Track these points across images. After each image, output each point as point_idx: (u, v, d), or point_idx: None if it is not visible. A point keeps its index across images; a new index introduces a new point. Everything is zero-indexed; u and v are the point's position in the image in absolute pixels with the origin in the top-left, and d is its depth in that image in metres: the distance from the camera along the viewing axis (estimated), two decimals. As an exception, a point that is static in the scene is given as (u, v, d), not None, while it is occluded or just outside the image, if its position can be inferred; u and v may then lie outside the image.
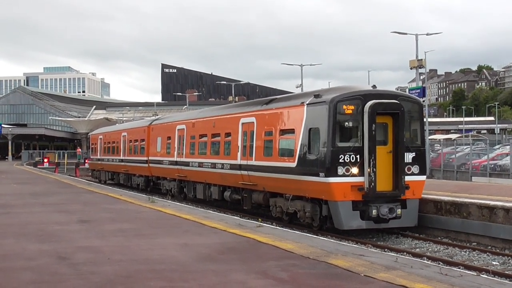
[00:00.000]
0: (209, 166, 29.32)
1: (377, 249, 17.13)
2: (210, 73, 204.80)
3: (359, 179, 19.82)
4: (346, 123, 20.22)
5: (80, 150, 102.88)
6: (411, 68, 53.08)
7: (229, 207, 29.77)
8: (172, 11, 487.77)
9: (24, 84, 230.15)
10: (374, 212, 19.74)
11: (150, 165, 39.36)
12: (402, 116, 20.24)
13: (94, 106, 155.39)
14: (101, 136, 55.17)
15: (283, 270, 11.62)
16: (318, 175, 20.18)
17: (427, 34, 56.97)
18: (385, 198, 20.10)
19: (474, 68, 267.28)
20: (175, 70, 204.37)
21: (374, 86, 21.22)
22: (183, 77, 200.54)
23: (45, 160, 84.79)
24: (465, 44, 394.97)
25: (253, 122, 25.16)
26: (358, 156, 19.84)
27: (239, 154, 26.11)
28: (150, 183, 41.23)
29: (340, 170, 19.74)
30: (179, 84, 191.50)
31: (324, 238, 17.45)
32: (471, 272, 12.15)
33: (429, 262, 13.59)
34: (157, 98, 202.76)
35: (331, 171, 19.77)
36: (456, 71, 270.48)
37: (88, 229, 18.05)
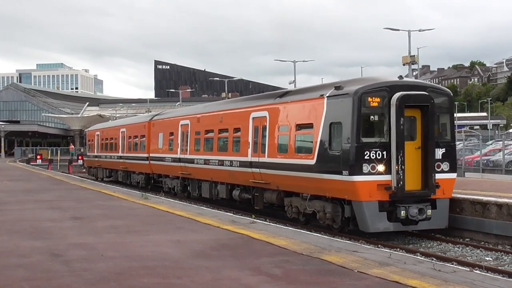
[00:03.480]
0: (216, 164, 27.86)
1: (370, 245, 17.17)
2: (203, 70, 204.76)
3: (386, 177, 18.52)
4: (372, 117, 18.86)
5: (73, 146, 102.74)
6: (403, 64, 53.33)
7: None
8: (169, 6, 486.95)
9: (17, 81, 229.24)
10: (402, 213, 18.35)
11: (151, 162, 38.00)
12: (431, 109, 18.91)
13: (87, 103, 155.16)
14: (98, 132, 53.63)
15: (277, 267, 11.61)
16: (341, 173, 18.79)
17: (419, 30, 57.21)
18: (414, 198, 18.73)
19: (467, 64, 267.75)
20: (168, 67, 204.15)
21: (400, 77, 19.92)
22: (176, 74, 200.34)
23: (38, 157, 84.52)
24: (460, 39, 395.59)
25: (265, 117, 23.67)
26: (384, 153, 18.54)
27: (249, 150, 24.65)
28: (151, 180, 39.89)
29: (365, 168, 18.41)
30: (172, 81, 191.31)
31: (318, 234, 17.46)
32: (464, 268, 12.19)
33: (422, 258, 13.62)
34: (151, 94, 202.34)
35: (356, 169, 18.41)
36: (449, 67, 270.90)
37: (81, 226, 18.02)
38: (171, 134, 34.42)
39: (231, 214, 22.09)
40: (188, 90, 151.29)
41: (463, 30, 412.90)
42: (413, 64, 53.07)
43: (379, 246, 17.63)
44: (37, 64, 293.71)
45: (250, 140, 24.71)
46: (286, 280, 10.56)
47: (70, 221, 19.20)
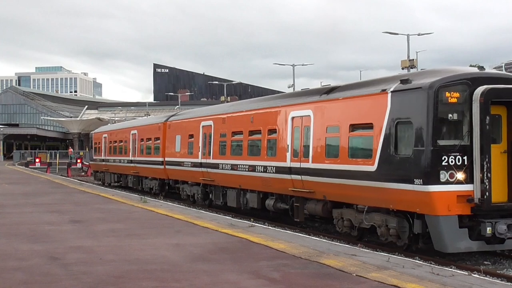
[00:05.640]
0: (246, 169, 24.70)
1: (369, 249, 17.13)
2: (202, 73, 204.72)
3: (467, 187, 15.63)
4: (450, 115, 15.89)
5: (72, 150, 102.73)
6: (402, 68, 53.35)
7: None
8: (169, 9, 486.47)
9: (16, 84, 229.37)
10: (488, 230, 15.39)
11: (167, 167, 34.73)
12: None
13: (86, 106, 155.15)
14: (105, 135, 50.22)
15: (275, 270, 11.62)
16: (411, 182, 15.89)
17: (418, 34, 57.28)
18: (501, 212, 15.78)
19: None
20: (167, 70, 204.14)
21: (481, 68, 17.14)
22: (175, 77, 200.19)
23: (37, 160, 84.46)
24: (461, 43, 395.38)
25: (309, 116, 20.63)
26: (465, 158, 15.72)
27: (288, 155, 21.59)
28: (165, 187, 36.54)
29: (443, 176, 15.55)
30: (171, 84, 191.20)
31: (316, 238, 17.46)
32: (462, 272, 12.19)
33: (421, 262, 13.63)
34: (150, 97, 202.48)
35: (431, 177, 15.53)
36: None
37: (80, 229, 18.02)
38: (191, 136, 31.32)
39: (230, 217, 22.10)
40: (187, 93, 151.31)
41: (464, 33, 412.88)
42: (412, 68, 53.08)
43: (378, 250, 17.63)
44: (36, 67, 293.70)
45: (289, 142, 21.73)
46: (284, 283, 10.56)
47: (69, 224, 19.20)
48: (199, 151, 29.67)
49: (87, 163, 72.69)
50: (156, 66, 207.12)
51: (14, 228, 18.18)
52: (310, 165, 20.26)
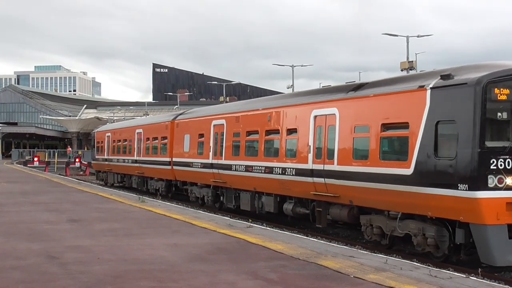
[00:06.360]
0: (262, 171, 23.26)
1: (366, 250, 17.09)
2: (202, 73, 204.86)
3: None
4: (499, 114, 14.54)
5: (70, 149, 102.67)
6: (401, 70, 53.36)
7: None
8: (169, 8, 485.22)
9: (15, 83, 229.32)
10: None
11: (174, 167, 33.34)
12: None
13: (85, 105, 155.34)
14: (108, 134, 48.66)
15: (273, 271, 11.63)
16: (454, 187, 14.55)
17: (417, 36, 57.38)
18: None
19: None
20: (166, 70, 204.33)
21: None
22: (174, 77, 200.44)
23: (35, 159, 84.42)
24: (462, 45, 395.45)
25: (334, 115, 19.26)
26: None
27: (310, 156, 20.23)
28: (172, 188, 35.35)
29: (491, 181, 14.18)
30: (170, 84, 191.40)
31: (314, 239, 17.46)
32: (460, 274, 12.20)
33: (418, 264, 13.62)
34: (150, 97, 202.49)
35: (478, 182, 14.17)
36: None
37: (78, 228, 18.02)
38: (201, 135, 29.90)
39: (228, 218, 22.08)
40: (186, 93, 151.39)
41: (465, 35, 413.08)
42: (411, 69, 53.12)
43: (376, 251, 17.62)
44: (35, 66, 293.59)
45: (311, 143, 20.32)
46: (282, 284, 10.57)
47: (67, 223, 19.20)
48: (210, 151, 28.37)
49: (86, 162, 72.77)
50: (155, 66, 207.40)
51: (12, 227, 18.17)
52: (335, 167, 18.97)
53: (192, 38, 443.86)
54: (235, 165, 25.60)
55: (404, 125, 16.38)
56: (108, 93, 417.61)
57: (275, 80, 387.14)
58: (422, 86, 15.99)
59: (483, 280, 12.08)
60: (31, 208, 23.83)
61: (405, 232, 16.68)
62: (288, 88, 76.28)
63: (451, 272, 12.38)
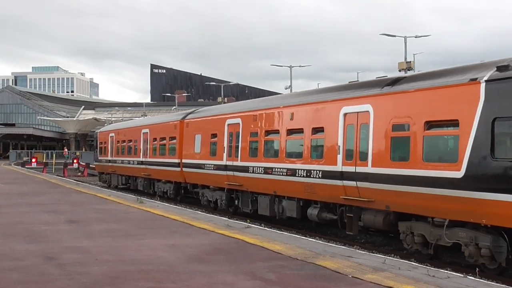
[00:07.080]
0: (284, 173, 21.72)
1: (365, 250, 17.10)
2: (200, 74, 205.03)
3: None
4: None
5: (66, 150, 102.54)
6: (399, 70, 53.48)
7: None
8: (169, 9, 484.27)
9: (13, 84, 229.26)
10: None
11: (184, 169, 31.82)
12: None
13: (83, 106, 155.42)
14: (112, 134, 46.89)
15: (271, 271, 11.63)
16: None
17: (415, 37, 57.50)
18: None
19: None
20: (164, 71, 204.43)
21: None
22: (172, 78, 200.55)
23: (33, 160, 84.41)
24: (461, 45, 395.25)
25: (368, 112, 17.73)
26: None
27: (339, 157, 18.72)
28: (181, 190, 34.05)
29: None
30: (168, 85, 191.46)
31: (312, 240, 17.46)
32: (458, 274, 12.21)
33: (416, 264, 13.63)
34: (148, 98, 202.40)
35: None
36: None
37: (76, 229, 18.01)
38: (213, 135, 28.37)
39: (226, 218, 22.07)
40: (184, 94, 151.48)
41: (463, 35, 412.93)
42: (409, 70, 53.21)
43: (374, 251, 17.64)
44: (32, 67, 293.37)
45: (340, 143, 18.87)
46: (280, 285, 10.57)
47: (65, 224, 19.19)
48: (223, 152, 26.76)
49: (84, 163, 72.78)
50: (153, 66, 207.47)
51: (10, 228, 18.16)
52: (369, 169, 17.45)
53: (192, 38, 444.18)
54: (253, 166, 24.12)
55: (453, 123, 14.87)
56: (106, 94, 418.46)
57: (274, 80, 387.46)
58: (475, 79, 14.37)
59: (480, 280, 12.10)
60: (29, 209, 23.82)
61: (452, 242, 15.19)
62: (286, 88, 76.38)
63: (449, 272, 12.39)
